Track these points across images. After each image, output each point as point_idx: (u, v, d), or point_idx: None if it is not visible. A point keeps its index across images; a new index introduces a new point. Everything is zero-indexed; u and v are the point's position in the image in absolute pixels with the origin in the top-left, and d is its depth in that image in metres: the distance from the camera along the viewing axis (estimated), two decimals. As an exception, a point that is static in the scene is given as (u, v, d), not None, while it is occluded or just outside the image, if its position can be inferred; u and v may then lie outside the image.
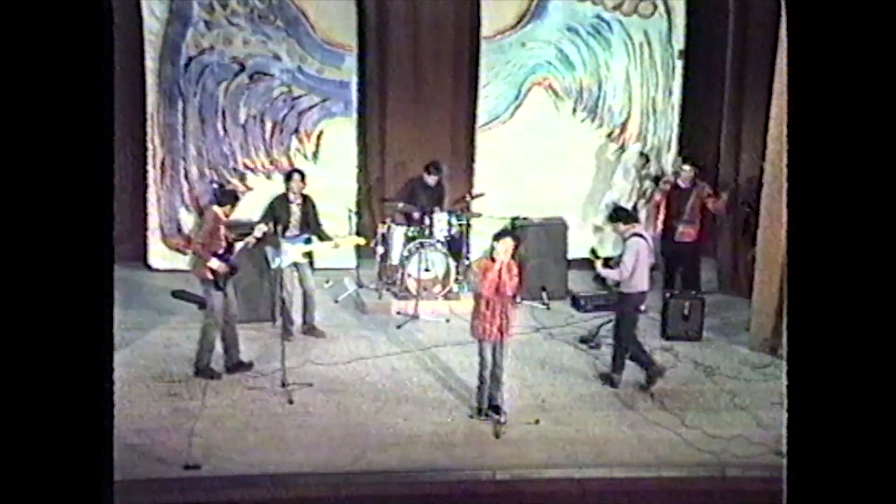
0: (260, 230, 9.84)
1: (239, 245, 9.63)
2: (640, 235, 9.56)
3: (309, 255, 10.45)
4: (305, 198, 10.50)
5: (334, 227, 11.12)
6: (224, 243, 9.45)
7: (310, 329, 10.64)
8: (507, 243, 8.55)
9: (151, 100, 12.16)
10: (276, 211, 10.31)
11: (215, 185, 12.32)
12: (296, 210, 10.44)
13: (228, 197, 9.67)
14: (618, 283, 9.63)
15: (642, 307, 9.90)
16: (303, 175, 10.58)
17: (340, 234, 11.01)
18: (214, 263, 9.30)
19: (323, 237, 10.48)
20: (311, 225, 10.46)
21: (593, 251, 9.92)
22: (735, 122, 12.03)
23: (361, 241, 10.80)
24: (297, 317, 10.56)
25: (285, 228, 10.20)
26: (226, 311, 9.50)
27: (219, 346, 9.73)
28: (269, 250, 9.97)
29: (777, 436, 8.06)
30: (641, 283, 9.51)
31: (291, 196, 10.45)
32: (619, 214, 9.84)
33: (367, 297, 11.59)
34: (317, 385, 9.42)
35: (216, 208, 9.56)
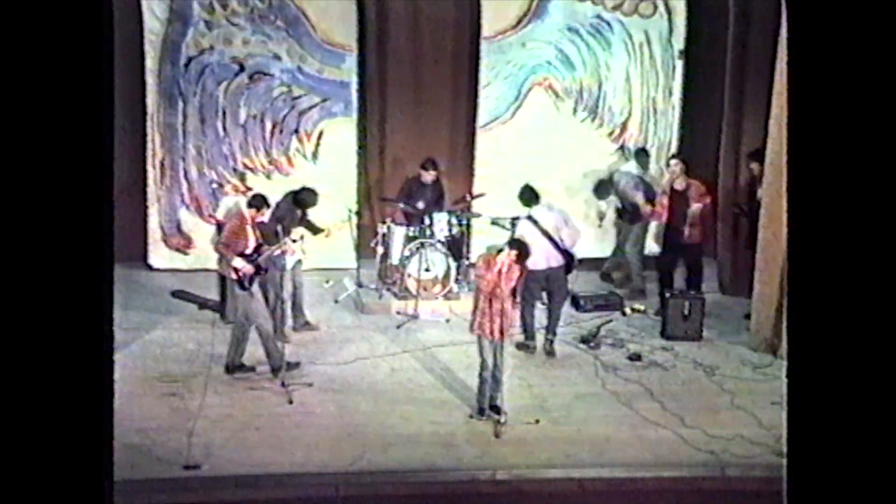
0: (298, 235, 9.88)
1: (271, 249, 9.58)
2: (531, 218, 10.16)
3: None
4: None
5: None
6: (251, 244, 9.43)
7: (305, 324, 10.68)
8: (512, 253, 8.59)
9: (151, 100, 12.15)
10: (282, 211, 10.34)
11: (215, 185, 12.34)
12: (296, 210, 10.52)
13: (259, 200, 9.64)
14: None
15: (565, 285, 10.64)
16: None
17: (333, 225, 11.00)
18: (238, 262, 9.28)
19: (315, 230, 10.53)
20: (303, 220, 10.55)
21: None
22: (735, 122, 12.03)
23: (340, 225, 10.83)
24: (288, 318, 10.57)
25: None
26: (245, 313, 9.47)
27: (218, 347, 9.75)
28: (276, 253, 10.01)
29: (777, 436, 8.08)
30: (532, 262, 9.82)
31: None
32: (521, 194, 10.30)
33: (367, 297, 11.58)
34: (317, 385, 9.42)
35: (245, 209, 9.55)
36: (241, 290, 9.35)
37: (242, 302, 9.40)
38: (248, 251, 9.38)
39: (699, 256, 11.53)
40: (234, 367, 9.54)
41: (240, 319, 9.54)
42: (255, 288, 9.41)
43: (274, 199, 10.40)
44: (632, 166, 12.39)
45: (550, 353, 10.28)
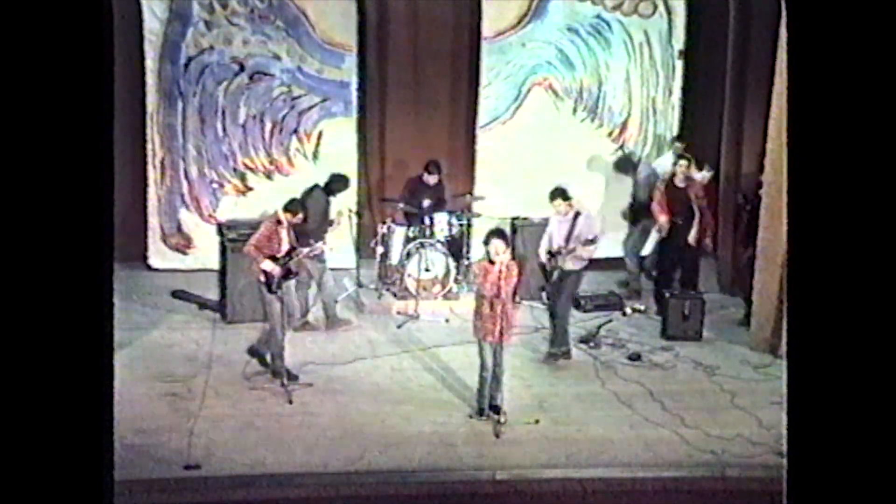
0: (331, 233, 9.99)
1: (304, 252, 9.54)
2: (587, 215, 10.06)
3: None
4: None
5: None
6: (285, 247, 9.38)
7: (305, 324, 10.71)
8: (497, 244, 8.53)
9: (151, 100, 12.16)
10: (318, 206, 10.50)
11: (215, 186, 12.34)
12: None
13: (296, 204, 9.61)
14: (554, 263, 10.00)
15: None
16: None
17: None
18: (267, 265, 9.19)
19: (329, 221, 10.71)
20: None
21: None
22: (735, 122, 12.03)
23: (343, 212, 10.90)
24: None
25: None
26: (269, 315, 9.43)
27: (218, 347, 9.75)
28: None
29: (777, 436, 8.08)
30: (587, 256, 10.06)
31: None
32: (558, 192, 10.08)
33: (367, 297, 11.59)
34: (317, 385, 9.41)
35: (280, 212, 9.52)
36: (269, 293, 9.30)
37: (269, 305, 9.36)
38: (280, 254, 9.33)
39: (696, 261, 11.52)
40: (256, 353, 9.52)
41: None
42: (281, 292, 9.31)
43: (277, 199, 10.42)
44: (664, 161, 12.32)
45: (568, 356, 10.19)
